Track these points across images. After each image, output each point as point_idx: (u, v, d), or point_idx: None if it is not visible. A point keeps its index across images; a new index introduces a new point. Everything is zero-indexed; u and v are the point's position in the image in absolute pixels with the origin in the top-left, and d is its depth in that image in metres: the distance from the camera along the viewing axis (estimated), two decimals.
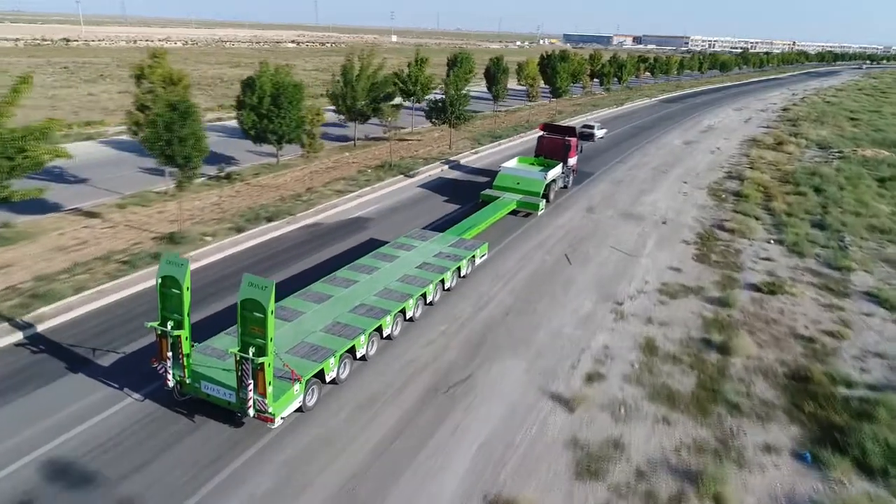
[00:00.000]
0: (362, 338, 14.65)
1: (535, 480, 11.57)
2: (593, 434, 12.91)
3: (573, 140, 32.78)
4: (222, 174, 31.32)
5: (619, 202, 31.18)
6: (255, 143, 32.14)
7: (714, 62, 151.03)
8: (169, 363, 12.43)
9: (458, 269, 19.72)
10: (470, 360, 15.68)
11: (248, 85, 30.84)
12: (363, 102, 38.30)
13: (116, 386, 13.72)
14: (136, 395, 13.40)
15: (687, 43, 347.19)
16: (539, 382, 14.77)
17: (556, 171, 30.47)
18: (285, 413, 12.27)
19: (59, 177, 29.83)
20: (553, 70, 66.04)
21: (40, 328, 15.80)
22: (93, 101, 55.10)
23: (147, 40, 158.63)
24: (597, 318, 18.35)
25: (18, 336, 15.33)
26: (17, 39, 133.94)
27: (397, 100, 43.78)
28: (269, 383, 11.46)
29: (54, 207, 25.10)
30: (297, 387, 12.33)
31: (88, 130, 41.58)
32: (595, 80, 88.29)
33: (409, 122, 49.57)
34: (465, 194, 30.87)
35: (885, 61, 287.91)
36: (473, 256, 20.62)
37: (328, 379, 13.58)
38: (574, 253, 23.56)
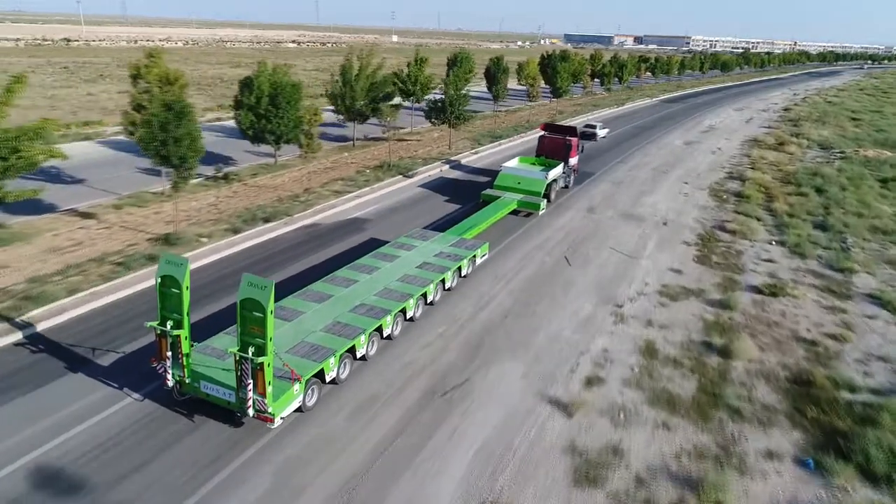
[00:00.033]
0: (362, 337, 14.58)
1: (533, 487, 11.35)
2: (592, 440, 12.69)
3: (574, 140, 32.62)
4: (220, 174, 31.13)
5: (619, 203, 30.96)
6: (253, 143, 31.97)
7: (715, 62, 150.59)
8: (168, 363, 12.39)
9: (459, 268, 19.64)
10: (468, 362, 15.47)
11: (246, 85, 30.66)
12: (362, 102, 38.10)
13: (116, 385, 13.64)
14: (136, 395, 13.35)
15: (688, 43, 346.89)
16: (537, 386, 14.55)
17: (557, 170, 30.34)
18: (285, 413, 12.23)
19: (56, 177, 29.65)
20: (553, 70, 65.83)
21: (31, 331, 15.60)
22: (92, 101, 54.95)
23: (148, 40, 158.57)
24: (596, 320, 18.13)
25: (8, 340, 15.12)
26: (17, 39, 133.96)
27: (396, 100, 43.57)
28: (269, 383, 11.42)
29: (50, 208, 24.91)
30: (296, 387, 12.30)
31: (86, 130, 41.41)
32: (596, 80, 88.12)
33: (408, 123, 49.38)
34: (465, 195, 30.66)
35: (886, 61, 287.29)
36: (474, 256, 20.55)
37: (328, 379, 13.52)
38: (574, 254, 23.34)
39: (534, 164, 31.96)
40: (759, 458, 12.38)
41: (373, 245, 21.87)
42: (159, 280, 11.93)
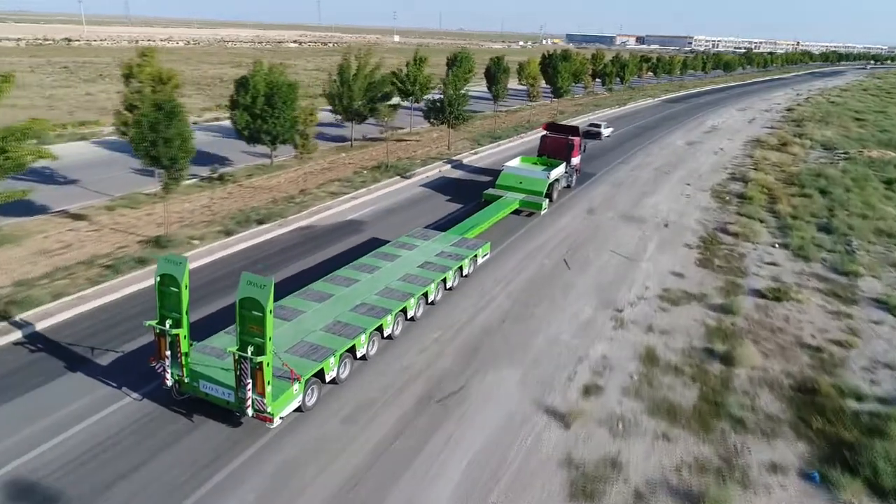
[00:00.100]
0: (363, 337, 14.48)
1: (527, 502, 10.92)
2: (589, 452, 12.25)
3: (576, 139, 32.28)
4: (215, 175, 30.75)
5: (620, 204, 30.51)
6: (249, 143, 31.59)
7: (717, 62, 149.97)
8: (167, 362, 12.31)
9: (461, 268, 19.52)
10: (465, 367, 15.07)
11: (242, 84, 30.29)
12: (360, 102, 37.70)
13: (114, 385, 13.43)
14: (135, 395, 13.25)
15: (690, 43, 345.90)
16: (534, 395, 14.12)
17: (559, 170, 30.05)
18: (284, 413, 12.12)
19: (49, 178, 29.30)
20: (554, 70, 65.33)
21: (17, 335, 15.22)
22: (90, 101, 54.64)
23: (149, 40, 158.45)
24: (596, 325, 17.70)
25: None
26: (18, 39, 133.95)
27: (395, 100, 43.15)
28: (268, 383, 11.32)
29: (41, 209, 24.54)
30: (296, 386, 12.20)
31: (82, 130, 41.08)
32: (597, 80, 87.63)
33: (407, 123, 48.99)
34: (463, 196, 30.25)
35: (889, 61, 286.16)
36: (475, 256, 20.40)
37: (328, 378, 13.42)
38: (574, 257, 22.91)
39: (536, 163, 31.65)
40: (763, 472, 11.94)
41: (368, 247, 21.46)
42: (158, 279, 11.85)
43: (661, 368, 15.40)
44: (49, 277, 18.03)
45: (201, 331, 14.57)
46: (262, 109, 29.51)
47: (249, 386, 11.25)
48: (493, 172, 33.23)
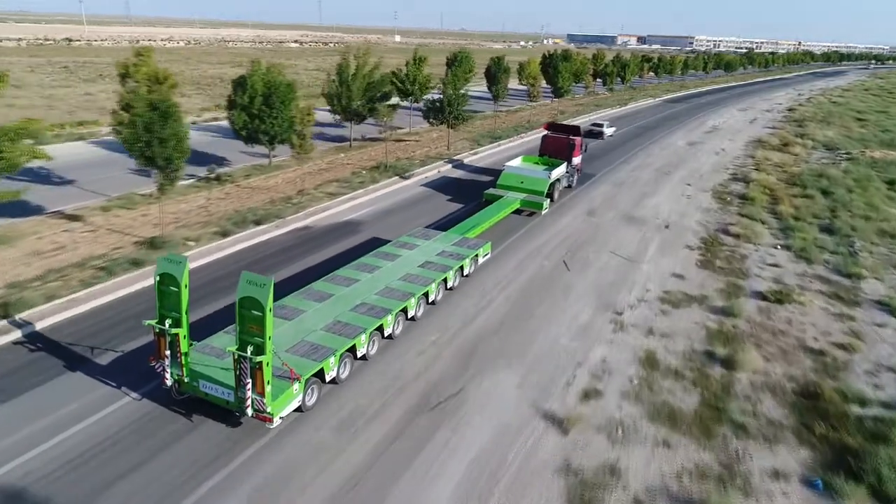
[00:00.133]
0: (363, 337, 14.42)
1: None
2: (588, 458, 12.01)
3: (578, 139, 32.08)
4: (212, 175, 30.53)
5: (620, 204, 30.27)
6: (247, 143, 31.37)
7: (719, 62, 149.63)
8: (167, 362, 12.24)
9: (461, 268, 19.43)
10: (462, 371, 14.83)
11: (240, 84, 30.07)
12: (358, 102, 37.47)
13: (114, 385, 13.25)
14: (135, 395, 13.18)
15: (691, 43, 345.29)
16: (532, 400, 13.88)
17: (560, 170, 29.91)
18: (284, 413, 12.05)
19: (46, 178, 29.11)
20: (555, 70, 65.10)
21: (7, 339, 15.00)
22: (90, 101, 54.49)
23: (150, 40, 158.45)
24: (595, 328, 17.45)
25: None
26: (19, 39, 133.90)
27: (395, 99, 42.93)
28: (268, 382, 11.25)
29: (36, 210, 24.34)
30: (296, 386, 12.13)
31: (80, 130, 40.90)
32: (598, 80, 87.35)
33: (407, 123, 48.76)
34: (463, 197, 30.02)
35: (891, 61, 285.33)
36: (476, 255, 20.30)
37: (328, 378, 13.31)
38: (573, 258, 22.67)
39: (537, 163, 31.48)
40: (765, 479, 11.70)
41: (365, 248, 21.24)
42: (158, 278, 11.79)
43: (662, 372, 15.16)
44: (41, 279, 17.81)
45: (199, 332, 14.34)
46: (259, 109, 29.28)
47: (249, 386, 11.19)
48: (493, 173, 33.06)
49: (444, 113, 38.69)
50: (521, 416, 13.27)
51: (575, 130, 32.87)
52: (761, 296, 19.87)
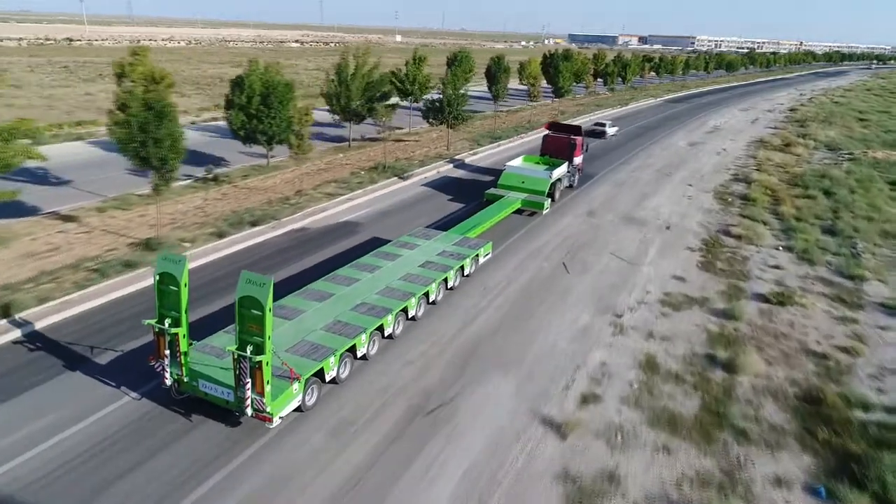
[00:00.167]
0: (363, 336, 14.33)
1: None
2: (586, 465, 11.78)
3: (579, 139, 31.90)
4: (209, 176, 30.31)
5: (620, 205, 30.03)
6: (245, 143, 31.16)
7: (720, 62, 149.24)
8: (166, 361, 12.19)
9: (462, 268, 19.32)
10: (458, 374, 14.61)
11: (238, 84, 29.87)
12: (358, 102, 37.25)
13: (113, 385, 13.11)
14: (134, 394, 13.07)
15: (693, 43, 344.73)
16: (530, 404, 13.66)
17: (561, 169, 29.75)
18: (284, 412, 11.98)
19: (42, 178, 28.91)
20: (556, 69, 64.90)
21: (6, 339, 14.84)
22: (89, 101, 54.25)
23: (150, 40, 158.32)
24: (594, 331, 17.23)
25: None
26: (20, 39, 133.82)
27: (394, 99, 42.71)
28: (268, 382, 11.19)
29: (31, 211, 24.15)
30: (295, 386, 12.07)
31: (79, 130, 40.67)
32: (599, 79, 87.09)
33: (406, 123, 48.54)
34: (463, 197, 29.80)
35: (893, 61, 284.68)
36: (477, 255, 20.20)
37: (328, 378, 13.22)
38: (573, 260, 22.44)
39: (538, 163, 31.33)
40: (767, 486, 11.48)
41: (363, 250, 21.02)
42: (157, 277, 11.72)
43: (662, 376, 14.93)
44: (34, 281, 17.60)
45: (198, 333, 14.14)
46: (257, 109, 29.09)
47: (249, 385, 11.10)
48: (493, 173, 32.87)
49: (443, 113, 38.47)
50: (518, 421, 13.04)
51: (576, 130, 32.68)
52: (763, 298, 19.64)
